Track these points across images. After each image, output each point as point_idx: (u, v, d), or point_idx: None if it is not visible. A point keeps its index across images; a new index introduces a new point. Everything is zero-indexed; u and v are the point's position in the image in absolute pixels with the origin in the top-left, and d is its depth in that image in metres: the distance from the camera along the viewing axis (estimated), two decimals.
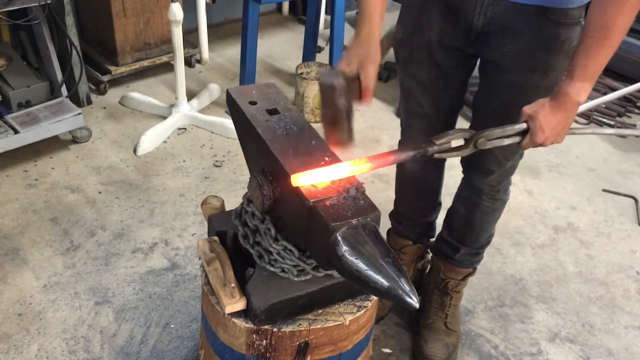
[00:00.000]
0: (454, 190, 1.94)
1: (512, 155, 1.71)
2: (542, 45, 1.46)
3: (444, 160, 1.94)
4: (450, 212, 1.97)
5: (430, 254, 2.12)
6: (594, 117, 3.45)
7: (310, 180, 1.15)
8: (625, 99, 3.66)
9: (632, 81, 3.78)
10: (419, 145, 1.26)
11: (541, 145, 1.36)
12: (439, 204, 2.06)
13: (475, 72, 1.69)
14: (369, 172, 2.78)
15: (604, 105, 3.54)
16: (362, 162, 1.17)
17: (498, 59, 1.53)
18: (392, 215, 2.11)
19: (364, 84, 1.32)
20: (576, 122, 3.45)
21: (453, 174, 1.93)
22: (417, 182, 1.98)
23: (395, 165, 2.00)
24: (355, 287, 1.34)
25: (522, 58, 1.49)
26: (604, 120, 3.44)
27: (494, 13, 1.45)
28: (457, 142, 1.33)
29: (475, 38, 1.53)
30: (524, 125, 1.35)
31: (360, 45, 1.35)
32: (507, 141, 1.36)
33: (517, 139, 1.37)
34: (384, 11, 1.40)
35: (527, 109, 1.35)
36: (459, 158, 1.80)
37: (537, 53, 1.47)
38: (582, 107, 1.37)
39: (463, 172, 1.86)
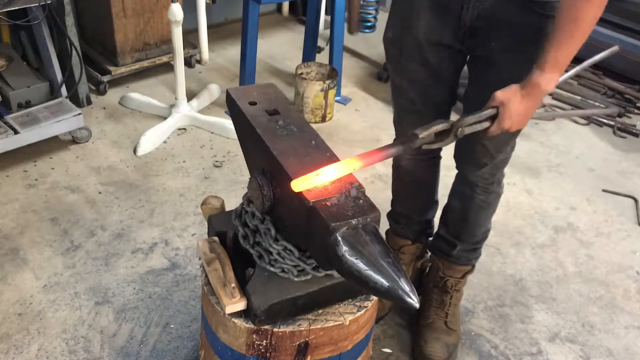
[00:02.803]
0: None
1: (504, 147, 1.72)
2: (529, 38, 1.48)
3: (439, 157, 1.98)
4: (446, 208, 1.99)
5: (429, 254, 2.12)
6: (594, 117, 3.45)
7: (309, 185, 1.16)
8: (625, 99, 3.66)
9: (632, 81, 3.79)
10: (404, 139, 1.29)
11: (507, 130, 1.39)
12: (436, 202, 2.07)
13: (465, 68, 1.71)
14: (369, 173, 2.79)
15: (603, 106, 3.53)
16: (352, 161, 1.18)
17: (487, 54, 1.56)
18: (390, 215, 2.12)
19: None
20: (576, 122, 3.45)
21: (452, 175, 1.93)
22: (412, 179, 1.99)
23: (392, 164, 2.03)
24: (355, 287, 1.34)
25: (510, 52, 1.51)
26: (604, 120, 3.43)
27: (483, 8, 1.48)
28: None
29: (464, 34, 1.55)
30: (494, 111, 1.38)
31: None
32: (478, 127, 1.37)
33: (487, 124, 1.39)
34: None
35: (500, 95, 1.36)
36: (453, 154, 1.85)
37: (525, 46, 1.49)
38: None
39: (457, 167, 1.88)
